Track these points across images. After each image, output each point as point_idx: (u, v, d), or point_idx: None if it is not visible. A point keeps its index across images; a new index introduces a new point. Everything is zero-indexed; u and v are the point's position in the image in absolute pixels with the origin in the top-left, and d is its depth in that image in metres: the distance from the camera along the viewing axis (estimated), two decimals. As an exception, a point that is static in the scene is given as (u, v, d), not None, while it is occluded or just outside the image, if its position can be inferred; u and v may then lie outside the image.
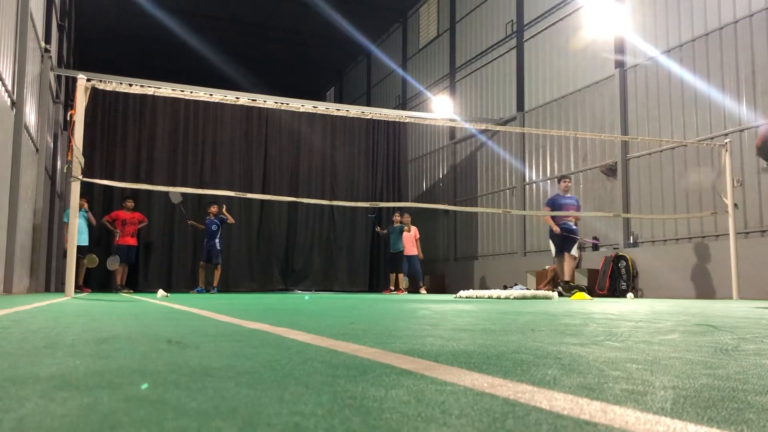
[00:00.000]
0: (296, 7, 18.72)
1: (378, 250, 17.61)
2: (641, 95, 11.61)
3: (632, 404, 0.71)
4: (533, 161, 14.53)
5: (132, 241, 13.54)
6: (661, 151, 11.04)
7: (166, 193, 14.27)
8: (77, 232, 12.81)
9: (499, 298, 7.98)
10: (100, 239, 14.65)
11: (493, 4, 16.13)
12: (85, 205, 13.09)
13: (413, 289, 15.08)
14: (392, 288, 14.95)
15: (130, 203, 13.62)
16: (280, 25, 20.38)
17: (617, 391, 0.81)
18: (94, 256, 13.17)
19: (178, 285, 15.02)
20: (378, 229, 16.32)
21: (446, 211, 17.05)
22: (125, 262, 13.43)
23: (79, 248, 12.94)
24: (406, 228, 14.71)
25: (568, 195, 10.63)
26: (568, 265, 10.23)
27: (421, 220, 16.53)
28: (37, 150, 11.73)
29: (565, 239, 10.31)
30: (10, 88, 9.11)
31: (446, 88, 18.02)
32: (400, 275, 14.79)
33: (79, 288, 12.65)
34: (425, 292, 14.69)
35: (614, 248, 11.84)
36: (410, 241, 14.79)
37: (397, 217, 15.08)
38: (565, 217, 10.31)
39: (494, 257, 15.68)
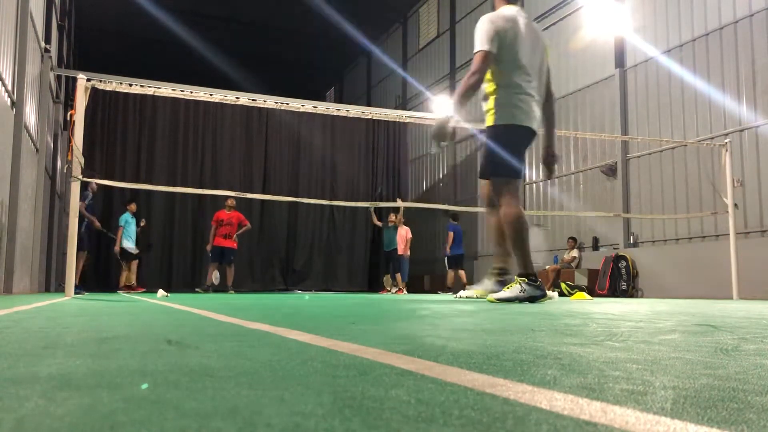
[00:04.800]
0: (296, 7, 18.73)
1: (378, 250, 17.61)
2: (641, 95, 11.61)
3: (632, 404, 0.72)
4: (533, 161, 14.52)
5: (225, 243, 13.15)
6: (661, 151, 11.04)
7: (166, 193, 14.27)
8: (127, 236, 13.09)
9: (499, 298, 7.96)
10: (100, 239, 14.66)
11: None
12: (134, 209, 13.24)
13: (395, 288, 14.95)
14: (388, 288, 14.92)
15: (231, 201, 13.34)
16: (280, 25, 20.38)
17: (617, 391, 0.81)
18: (130, 275, 13.33)
19: (178, 285, 15.03)
20: (374, 219, 15.86)
21: (446, 211, 17.06)
22: (217, 261, 13.17)
23: (127, 252, 13.15)
24: (399, 227, 14.76)
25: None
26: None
27: (421, 221, 16.53)
28: (37, 150, 11.73)
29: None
30: (10, 88, 9.12)
31: (446, 88, 18.02)
32: (397, 275, 14.77)
33: (130, 287, 12.76)
34: (403, 293, 14.45)
35: (614, 248, 11.85)
36: (401, 240, 14.77)
37: (392, 217, 15.05)
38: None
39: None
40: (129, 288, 13.06)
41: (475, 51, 4.40)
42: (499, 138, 4.44)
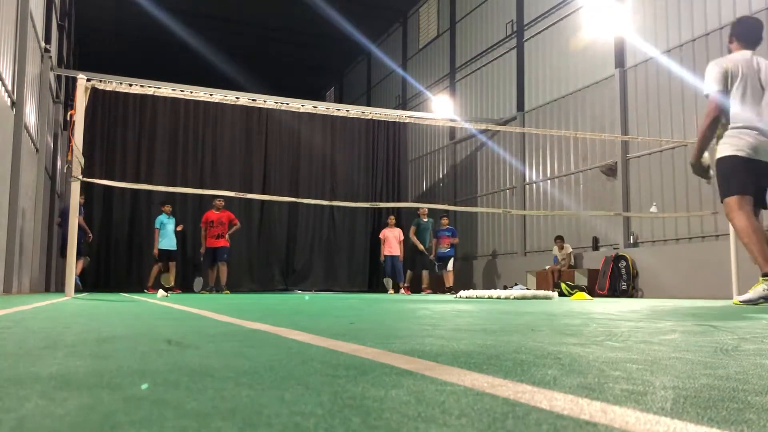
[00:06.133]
0: (296, 7, 18.72)
1: (378, 250, 17.61)
2: (641, 95, 11.60)
3: (632, 404, 0.72)
4: (533, 161, 14.52)
5: (217, 243, 13.02)
6: (661, 151, 11.04)
7: (166, 193, 14.26)
8: (163, 236, 13.14)
9: (499, 298, 7.98)
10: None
11: (493, 4, 16.13)
12: (168, 210, 13.35)
13: (396, 290, 14.78)
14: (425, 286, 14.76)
15: (219, 202, 13.20)
16: (280, 25, 20.37)
17: (617, 391, 0.81)
18: (169, 276, 13.26)
19: (178, 285, 15.01)
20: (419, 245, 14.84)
21: (446, 211, 17.07)
22: (213, 263, 13.15)
23: (166, 252, 13.17)
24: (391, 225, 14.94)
25: (446, 227, 14.70)
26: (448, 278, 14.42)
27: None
28: (37, 150, 11.73)
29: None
30: (10, 88, 9.11)
31: (446, 88, 18.02)
32: (424, 273, 14.71)
33: (167, 289, 12.73)
34: (405, 292, 14.30)
35: (614, 248, 11.85)
36: (395, 242, 14.70)
37: (424, 211, 14.83)
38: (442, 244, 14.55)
39: (494, 257, 15.68)
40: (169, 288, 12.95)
41: (705, 94, 4.96)
42: (719, 167, 4.94)
